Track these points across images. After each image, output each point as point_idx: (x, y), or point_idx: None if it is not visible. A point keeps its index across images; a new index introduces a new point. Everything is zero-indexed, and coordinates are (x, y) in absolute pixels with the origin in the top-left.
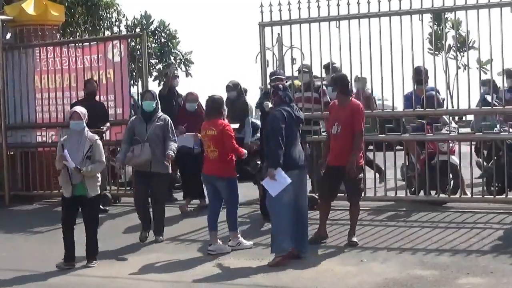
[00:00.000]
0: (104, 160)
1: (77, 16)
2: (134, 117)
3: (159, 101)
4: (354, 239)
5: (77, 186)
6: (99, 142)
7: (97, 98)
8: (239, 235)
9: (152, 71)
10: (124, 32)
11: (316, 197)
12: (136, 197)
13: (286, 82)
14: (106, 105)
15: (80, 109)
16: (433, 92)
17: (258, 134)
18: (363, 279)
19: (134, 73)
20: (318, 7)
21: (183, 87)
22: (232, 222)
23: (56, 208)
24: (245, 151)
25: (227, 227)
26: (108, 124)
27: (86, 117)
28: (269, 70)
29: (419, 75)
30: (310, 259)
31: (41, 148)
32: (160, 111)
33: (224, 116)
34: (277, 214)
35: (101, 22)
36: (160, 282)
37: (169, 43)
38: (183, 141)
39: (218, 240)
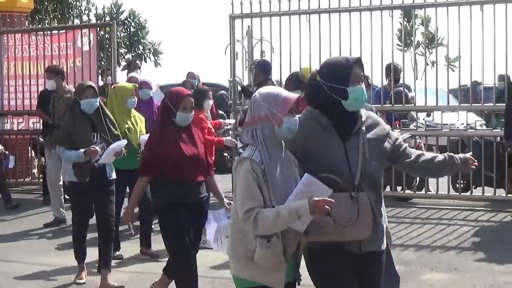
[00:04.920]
0: None
1: (46, 3)
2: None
3: None
4: None
5: None
6: None
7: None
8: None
9: (121, 60)
10: (93, 21)
11: None
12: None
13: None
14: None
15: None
16: (401, 88)
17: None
18: None
19: (102, 62)
20: (289, 0)
21: (152, 77)
22: None
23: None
24: (227, 138)
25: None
26: None
27: None
28: (238, 62)
29: (395, 72)
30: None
31: (7, 136)
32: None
33: (204, 109)
34: None
35: (70, 10)
36: (135, 273)
37: (139, 33)
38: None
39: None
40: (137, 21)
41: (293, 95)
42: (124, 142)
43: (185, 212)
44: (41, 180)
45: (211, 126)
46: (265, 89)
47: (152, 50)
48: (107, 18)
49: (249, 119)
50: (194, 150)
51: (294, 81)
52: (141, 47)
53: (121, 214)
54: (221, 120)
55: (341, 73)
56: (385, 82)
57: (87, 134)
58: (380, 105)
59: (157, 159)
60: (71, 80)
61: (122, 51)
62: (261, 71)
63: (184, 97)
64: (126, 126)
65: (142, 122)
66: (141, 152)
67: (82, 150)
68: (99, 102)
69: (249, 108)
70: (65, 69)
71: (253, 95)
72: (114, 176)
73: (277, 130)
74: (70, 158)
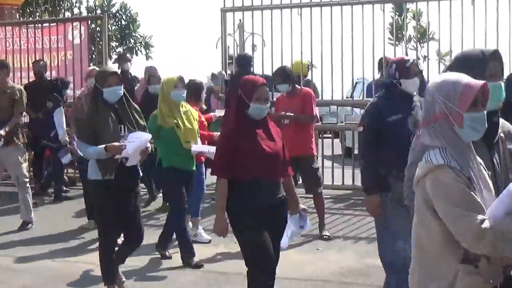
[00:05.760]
0: None
1: None
2: None
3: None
4: (326, 232)
5: None
6: None
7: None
8: (201, 227)
9: (112, 54)
10: (84, 13)
11: None
12: None
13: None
14: None
15: None
16: None
17: None
18: (318, 268)
19: (94, 56)
20: None
21: (143, 70)
22: (192, 207)
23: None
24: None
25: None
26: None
27: None
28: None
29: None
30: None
31: None
32: None
33: (201, 102)
34: None
35: (61, 3)
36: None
37: (130, 26)
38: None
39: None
40: (129, 14)
41: (477, 82)
42: (149, 136)
43: (261, 223)
44: (31, 173)
45: (204, 120)
46: (440, 77)
47: (144, 43)
48: (98, 11)
49: (425, 117)
50: (273, 147)
51: (281, 75)
52: (132, 40)
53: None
54: (211, 114)
55: (475, 68)
56: (377, 76)
57: (113, 126)
58: (371, 99)
59: (234, 158)
60: (62, 73)
61: (113, 44)
62: (239, 66)
63: (258, 87)
64: (174, 121)
65: (196, 119)
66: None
67: (102, 146)
68: (123, 90)
69: (424, 102)
70: (56, 62)
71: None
72: (141, 174)
73: (458, 131)
74: (90, 155)
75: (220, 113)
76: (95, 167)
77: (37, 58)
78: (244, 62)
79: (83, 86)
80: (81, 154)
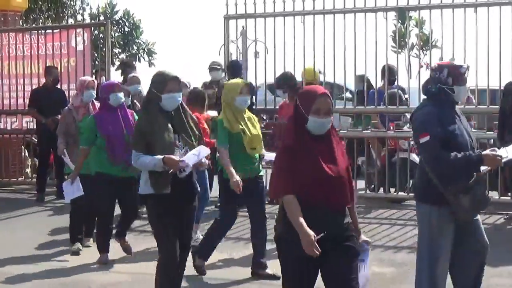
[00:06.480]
0: None
1: (40, 3)
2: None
3: None
4: None
5: None
6: None
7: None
8: (200, 232)
9: (115, 60)
10: (87, 20)
11: None
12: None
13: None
14: (68, 93)
15: None
16: (395, 90)
17: None
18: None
19: (97, 62)
20: (284, 1)
21: (146, 77)
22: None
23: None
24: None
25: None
26: None
27: None
28: None
29: (391, 74)
30: (271, 255)
31: (0, 135)
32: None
33: (204, 110)
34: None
35: (64, 10)
36: (126, 274)
37: (133, 33)
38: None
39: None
40: (131, 21)
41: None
42: (208, 152)
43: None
44: (34, 179)
45: (206, 127)
46: None
47: (146, 50)
48: (101, 18)
49: None
50: (336, 168)
51: (278, 81)
52: (135, 47)
53: None
54: (204, 114)
55: None
56: (380, 84)
57: (168, 136)
58: (374, 107)
59: (293, 177)
60: (65, 80)
61: (116, 51)
62: (231, 72)
63: (318, 97)
64: (240, 127)
65: (258, 124)
66: (259, 159)
67: (159, 156)
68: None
69: None
70: (59, 69)
71: None
72: (198, 188)
73: None
74: (145, 165)
75: (212, 113)
76: (149, 181)
77: (40, 65)
78: (236, 68)
79: (77, 96)
80: (135, 165)
